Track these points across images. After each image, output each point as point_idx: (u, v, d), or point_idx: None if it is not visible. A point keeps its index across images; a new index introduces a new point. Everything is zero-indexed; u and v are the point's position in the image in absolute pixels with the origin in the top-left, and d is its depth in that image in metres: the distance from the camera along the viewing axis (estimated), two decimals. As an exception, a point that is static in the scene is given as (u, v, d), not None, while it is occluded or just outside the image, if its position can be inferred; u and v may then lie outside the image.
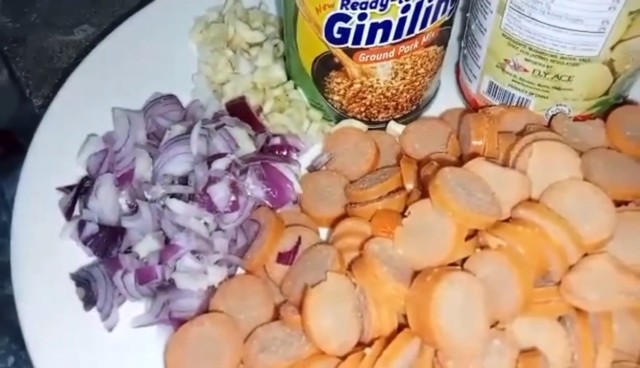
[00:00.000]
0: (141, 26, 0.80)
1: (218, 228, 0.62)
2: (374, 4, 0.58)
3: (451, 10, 0.64)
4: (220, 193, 0.60)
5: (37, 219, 0.64)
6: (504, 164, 0.59)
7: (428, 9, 0.60)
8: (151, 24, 0.80)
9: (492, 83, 0.69)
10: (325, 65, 0.66)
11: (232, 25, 0.78)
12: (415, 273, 0.52)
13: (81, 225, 0.61)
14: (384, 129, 0.72)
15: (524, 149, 0.58)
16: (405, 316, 0.52)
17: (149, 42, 0.78)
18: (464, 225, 0.53)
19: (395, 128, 0.72)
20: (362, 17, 0.59)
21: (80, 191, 0.64)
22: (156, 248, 0.59)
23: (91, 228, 0.60)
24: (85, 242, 0.60)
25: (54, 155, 0.68)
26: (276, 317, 0.57)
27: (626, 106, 0.67)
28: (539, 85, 0.65)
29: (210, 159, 0.63)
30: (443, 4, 0.61)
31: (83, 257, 0.62)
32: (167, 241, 0.60)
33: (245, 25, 0.78)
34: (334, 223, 0.63)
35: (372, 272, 0.52)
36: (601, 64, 0.61)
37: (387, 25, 0.60)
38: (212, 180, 0.61)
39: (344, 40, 0.62)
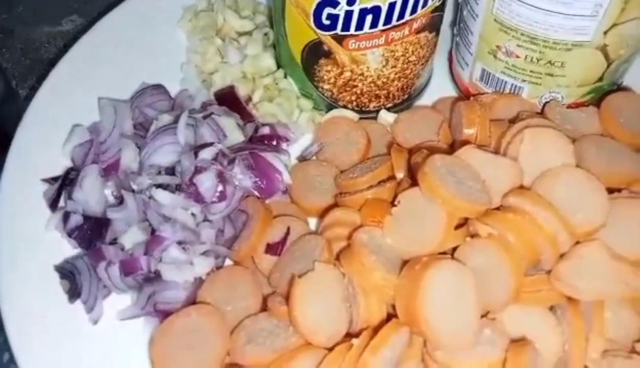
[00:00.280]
0: (130, 15, 0.78)
1: (205, 219, 0.61)
2: (362, -11, 0.57)
3: (442, -4, 0.62)
4: (206, 183, 0.59)
5: (21, 210, 0.63)
6: (496, 152, 0.58)
7: (418, -6, 0.59)
8: (140, 12, 0.79)
9: (485, 70, 0.68)
10: (315, 53, 0.65)
11: (221, 14, 0.76)
12: (405, 263, 0.51)
13: (66, 216, 0.60)
14: (375, 118, 0.71)
15: (516, 136, 0.57)
16: (394, 306, 0.51)
17: (138, 31, 0.77)
18: (454, 214, 0.52)
19: (386, 117, 0.71)
20: (350, 2, 0.58)
21: (65, 182, 0.63)
22: (142, 239, 0.58)
23: (76, 219, 0.59)
24: (69, 234, 0.59)
25: (39, 145, 0.67)
26: (264, 308, 0.56)
27: (620, 92, 0.66)
28: (531, 71, 0.64)
29: (197, 149, 0.62)
30: (433, -11, 0.60)
31: (68, 249, 0.61)
32: (153, 232, 0.59)
33: (235, 13, 0.76)
34: (323, 214, 0.62)
35: (359, 261, 0.51)
36: (594, 49, 0.60)
37: (376, 10, 0.59)
38: (198, 170, 0.60)
39: (332, 26, 0.61)
